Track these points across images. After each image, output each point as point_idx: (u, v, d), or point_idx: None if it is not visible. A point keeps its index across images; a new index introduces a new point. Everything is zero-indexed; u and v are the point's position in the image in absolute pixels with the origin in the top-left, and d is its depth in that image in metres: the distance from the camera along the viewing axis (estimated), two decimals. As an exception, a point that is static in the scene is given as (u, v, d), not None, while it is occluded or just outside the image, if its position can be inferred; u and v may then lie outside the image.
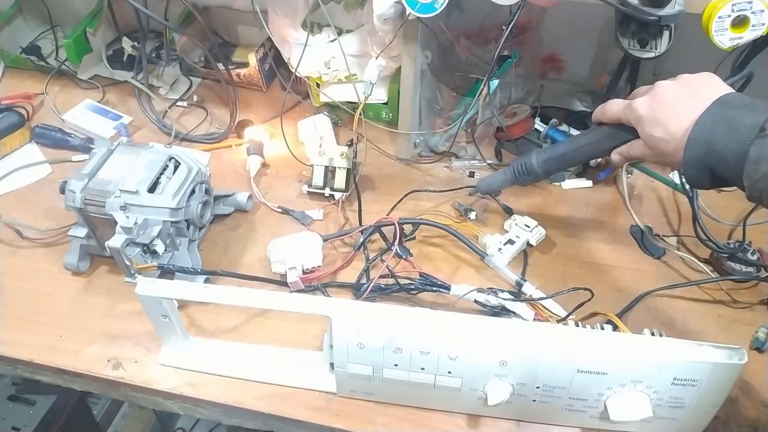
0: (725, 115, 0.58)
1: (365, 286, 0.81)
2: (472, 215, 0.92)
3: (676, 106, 0.62)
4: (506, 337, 0.62)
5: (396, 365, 0.65)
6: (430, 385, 0.66)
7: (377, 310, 0.65)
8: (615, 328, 0.72)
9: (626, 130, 0.69)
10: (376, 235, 0.88)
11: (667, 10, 0.74)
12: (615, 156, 0.72)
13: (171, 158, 0.82)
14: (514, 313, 0.77)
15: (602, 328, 0.72)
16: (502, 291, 0.79)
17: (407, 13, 0.82)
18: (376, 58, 0.90)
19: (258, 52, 1.10)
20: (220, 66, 1.05)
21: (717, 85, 0.63)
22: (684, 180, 0.84)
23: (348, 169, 0.93)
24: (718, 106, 0.59)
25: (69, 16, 1.21)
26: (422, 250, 0.88)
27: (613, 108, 0.69)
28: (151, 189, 0.79)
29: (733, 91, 0.62)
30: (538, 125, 1.02)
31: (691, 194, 0.86)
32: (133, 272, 0.77)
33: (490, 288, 0.79)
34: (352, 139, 0.94)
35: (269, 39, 1.04)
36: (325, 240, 0.86)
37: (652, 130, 0.64)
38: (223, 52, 1.12)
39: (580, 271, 0.86)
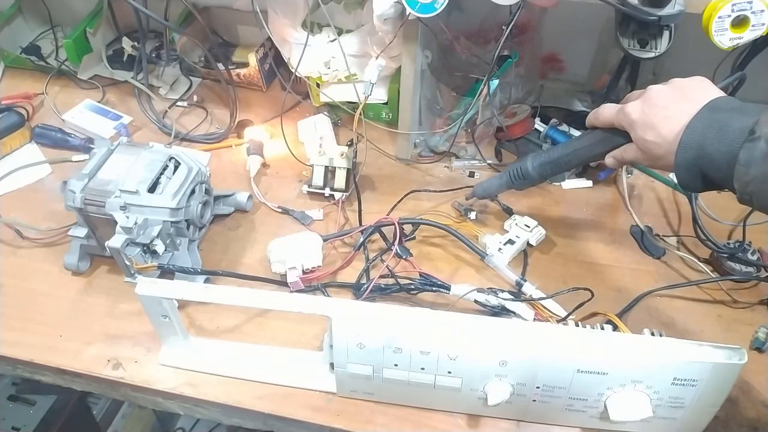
0: (716, 118, 0.59)
1: (365, 286, 0.81)
2: (472, 215, 0.92)
3: (667, 110, 0.63)
4: (506, 337, 0.62)
5: (396, 365, 0.65)
6: (430, 385, 0.66)
7: (377, 310, 0.65)
8: (615, 328, 0.72)
9: (619, 134, 0.69)
10: (376, 235, 0.88)
11: (667, 10, 0.74)
12: (609, 160, 0.72)
13: (171, 158, 0.82)
14: (514, 313, 0.77)
15: (602, 328, 0.72)
16: (502, 291, 0.79)
17: (407, 13, 0.82)
18: (376, 58, 0.89)
19: (258, 52, 1.11)
20: (220, 66, 1.05)
21: (708, 88, 0.63)
22: (676, 182, 0.85)
23: (348, 169, 0.93)
24: (709, 110, 0.60)
25: (69, 16, 1.21)
26: (422, 250, 0.88)
27: (606, 112, 0.70)
28: (151, 189, 0.79)
29: (724, 94, 0.62)
30: (538, 125, 1.02)
31: (690, 194, 0.86)
32: (133, 272, 0.77)
33: (490, 288, 0.79)
34: (352, 139, 0.94)
35: (269, 39, 1.04)
36: (325, 240, 0.86)
37: (645, 134, 0.64)
38: (223, 52, 1.12)
39: (580, 271, 0.86)
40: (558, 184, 0.98)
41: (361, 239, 0.87)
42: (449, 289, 0.78)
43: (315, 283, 0.83)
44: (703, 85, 0.64)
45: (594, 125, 0.73)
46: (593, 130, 0.74)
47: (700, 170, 0.60)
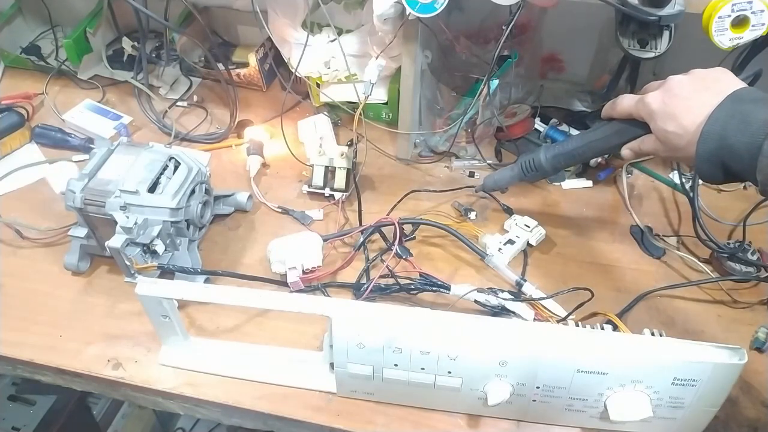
0: (739, 109, 0.58)
1: (365, 286, 0.81)
2: (472, 215, 0.92)
3: (689, 100, 0.62)
4: (506, 337, 0.62)
5: (396, 365, 0.65)
6: (430, 385, 0.66)
7: (377, 310, 0.65)
8: (615, 328, 0.72)
9: (637, 125, 0.68)
10: (376, 235, 0.88)
11: (667, 10, 0.74)
12: (625, 151, 0.71)
13: (171, 158, 0.82)
14: (514, 313, 0.77)
15: (602, 328, 0.71)
16: (502, 291, 0.79)
17: (407, 13, 0.82)
18: (376, 58, 0.90)
19: (258, 52, 1.11)
20: (220, 66, 1.05)
21: (730, 79, 0.63)
22: (697, 174, 0.84)
23: (348, 169, 0.93)
24: (732, 101, 0.59)
25: (69, 16, 1.21)
26: (422, 250, 0.88)
27: (625, 103, 0.69)
28: (151, 189, 0.79)
29: (745, 85, 0.62)
30: (538, 125, 1.02)
31: (691, 194, 0.86)
32: (133, 272, 0.77)
33: (490, 288, 0.79)
34: (352, 139, 0.94)
35: (269, 39, 1.04)
36: (325, 240, 0.86)
37: (665, 125, 0.64)
38: (223, 52, 1.12)
39: (580, 271, 0.86)
40: (558, 184, 0.98)
41: (361, 239, 0.87)
42: (449, 289, 0.78)
43: (315, 283, 0.83)
44: (725, 75, 0.63)
45: (611, 116, 0.72)
46: (609, 122, 0.73)
47: (721, 161, 0.59)
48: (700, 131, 0.60)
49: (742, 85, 0.62)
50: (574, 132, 1.01)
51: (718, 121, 0.59)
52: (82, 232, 0.82)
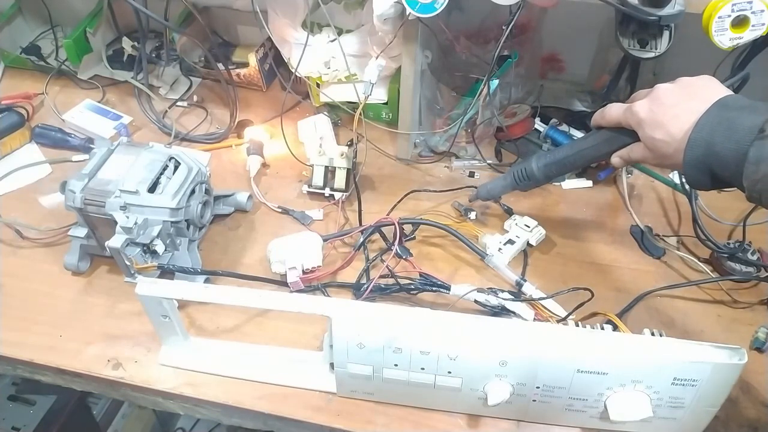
0: (725, 116, 0.59)
1: (365, 286, 0.81)
2: (472, 215, 0.92)
3: (676, 108, 0.63)
4: (506, 337, 0.62)
5: (396, 365, 0.65)
6: (430, 385, 0.66)
7: (377, 310, 0.65)
8: (615, 328, 0.72)
9: (626, 134, 0.69)
10: (376, 235, 0.88)
11: (667, 10, 0.74)
12: (615, 159, 0.72)
13: (171, 158, 0.82)
14: (514, 313, 0.77)
15: (602, 328, 0.72)
16: (502, 291, 0.79)
17: (407, 13, 0.82)
18: (376, 58, 0.90)
19: (258, 52, 1.11)
20: (220, 66, 1.05)
21: (716, 87, 0.63)
22: (685, 181, 0.85)
23: (348, 169, 0.93)
24: (718, 108, 0.60)
25: (69, 16, 1.21)
26: (422, 250, 0.88)
27: (613, 112, 0.70)
28: (151, 189, 0.79)
29: (731, 92, 0.62)
30: (538, 125, 1.02)
31: (690, 194, 0.86)
32: (133, 272, 0.77)
33: (490, 288, 0.79)
34: (352, 139, 0.94)
35: (269, 39, 1.04)
36: (325, 240, 0.86)
37: (653, 133, 0.64)
38: (223, 52, 1.12)
39: (580, 271, 0.86)
40: (558, 184, 0.98)
41: (361, 239, 0.87)
42: (449, 289, 0.78)
43: (315, 283, 0.83)
44: (711, 83, 0.64)
45: (600, 125, 0.73)
46: (599, 130, 0.74)
47: (708, 168, 0.60)
48: (687, 138, 0.61)
49: (728, 92, 0.62)
50: (575, 132, 1.01)
51: (704, 128, 0.60)
52: (82, 232, 0.82)
